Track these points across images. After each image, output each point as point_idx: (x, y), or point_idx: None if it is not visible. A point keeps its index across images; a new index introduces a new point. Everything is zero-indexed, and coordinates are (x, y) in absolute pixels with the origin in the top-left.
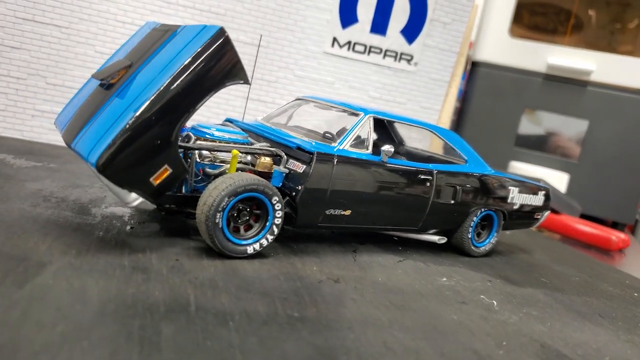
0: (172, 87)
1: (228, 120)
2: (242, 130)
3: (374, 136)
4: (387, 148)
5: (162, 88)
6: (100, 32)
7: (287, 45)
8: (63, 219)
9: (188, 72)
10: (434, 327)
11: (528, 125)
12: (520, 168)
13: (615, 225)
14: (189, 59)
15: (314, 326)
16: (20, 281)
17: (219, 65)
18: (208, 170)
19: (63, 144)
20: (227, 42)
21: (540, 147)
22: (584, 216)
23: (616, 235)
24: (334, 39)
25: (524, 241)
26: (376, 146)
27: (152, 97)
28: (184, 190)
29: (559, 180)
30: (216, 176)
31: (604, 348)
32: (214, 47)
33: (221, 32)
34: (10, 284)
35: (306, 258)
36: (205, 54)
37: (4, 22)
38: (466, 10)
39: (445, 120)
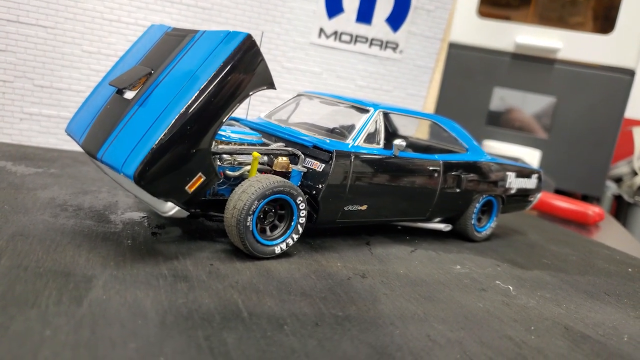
0: (204, 95)
1: (233, 119)
2: (251, 129)
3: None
4: (399, 142)
5: (193, 97)
6: (87, 31)
7: (275, 37)
8: (87, 228)
9: (218, 80)
10: (465, 316)
11: (496, 104)
12: (494, 146)
13: (585, 198)
14: (219, 67)
15: (360, 324)
16: (76, 298)
17: (249, 71)
18: (229, 172)
19: (55, 146)
20: (256, 49)
21: (507, 124)
22: (556, 191)
23: (592, 210)
24: (321, 30)
25: (513, 221)
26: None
27: (185, 107)
28: (207, 194)
29: (531, 157)
30: (236, 178)
31: (619, 326)
32: (244, 54)
33: (248, 38)
34: (68, 302)
35: (327, 254)
36: (235, 62)
37: None
38: None
39: (429, 106)
